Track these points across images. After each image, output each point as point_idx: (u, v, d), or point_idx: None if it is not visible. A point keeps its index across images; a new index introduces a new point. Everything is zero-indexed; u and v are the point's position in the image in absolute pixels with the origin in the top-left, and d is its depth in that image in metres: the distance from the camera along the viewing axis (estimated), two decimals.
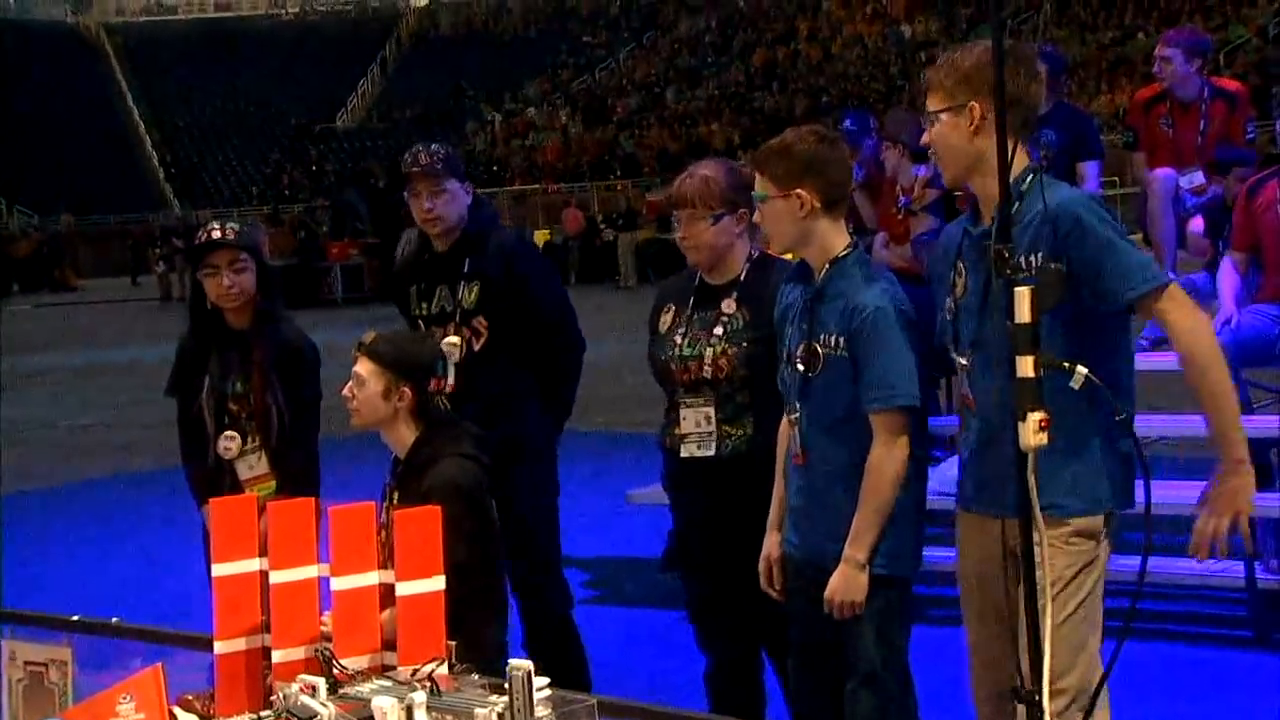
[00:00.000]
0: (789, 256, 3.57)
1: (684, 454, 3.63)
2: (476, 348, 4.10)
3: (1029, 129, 2.88)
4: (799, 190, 3.17)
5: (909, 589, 3.30)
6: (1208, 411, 2.83)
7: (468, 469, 3.22)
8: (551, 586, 4.25)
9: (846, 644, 3.22)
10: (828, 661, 3.32)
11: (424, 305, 4.21)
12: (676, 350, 3.64)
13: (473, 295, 4.13)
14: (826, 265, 3.20)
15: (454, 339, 4.12)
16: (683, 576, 3.92)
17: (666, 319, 3.72)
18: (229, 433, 3.90)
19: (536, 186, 38.27)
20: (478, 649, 2.22)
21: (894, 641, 3.22)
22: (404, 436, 3.29)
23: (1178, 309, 2.79)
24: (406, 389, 3.25)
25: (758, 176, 3.25)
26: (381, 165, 36.81)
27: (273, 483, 3.83)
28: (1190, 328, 2.80)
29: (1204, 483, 5.54)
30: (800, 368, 3.20)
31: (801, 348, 3.20)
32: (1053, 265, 2.55)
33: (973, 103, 2.82)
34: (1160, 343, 5.27)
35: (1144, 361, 6.50)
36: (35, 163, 44.22)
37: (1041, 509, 2.68)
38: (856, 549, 3.15)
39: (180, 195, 45.61)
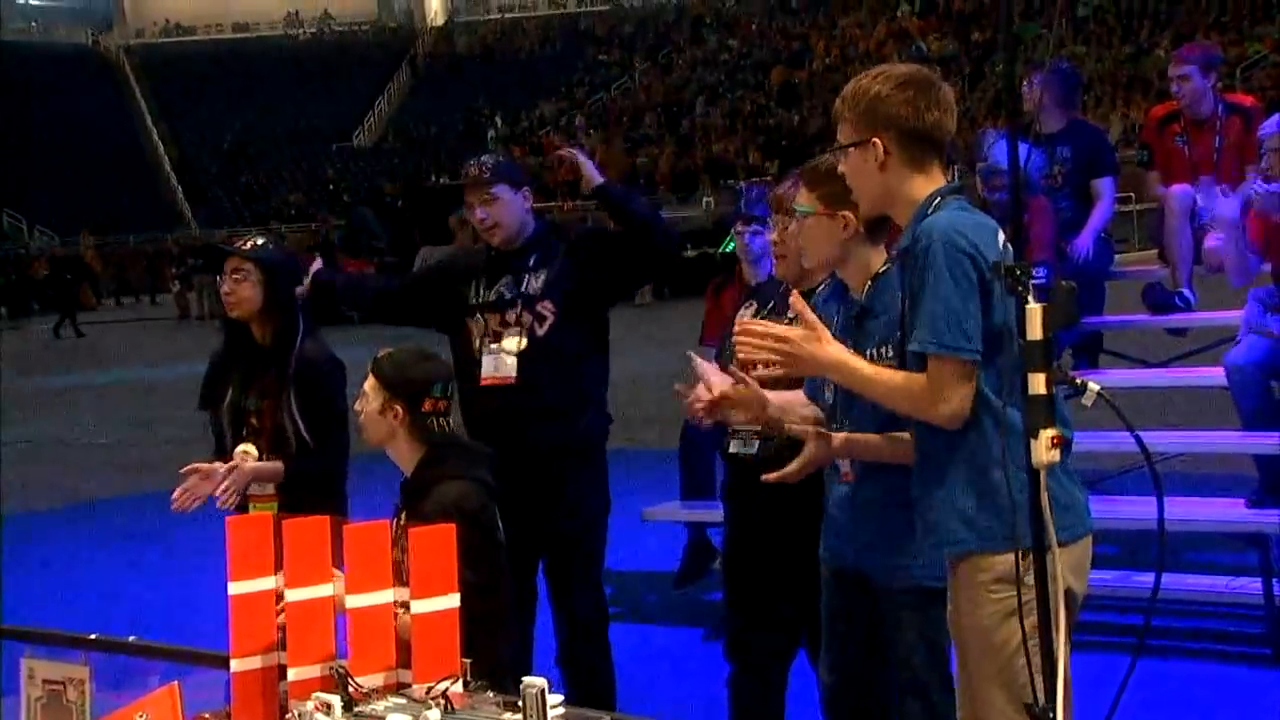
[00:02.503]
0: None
1: (730, 449, 3.67)
2: (540, 333, 4.09)
3: (941, 157, 2.78)
4: (846, 212, 3.17)
5: None
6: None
7: (470, 491, 3.21)
8: (588, 598, 4.23)
9: (895, 656, 3.22)
10: (865, 670, 3.33)
11: (483, 294, 4.19)
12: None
13: (540, 281, 4.13)
14: (869, 282, 3.20)
15: (515, 336, 4.10)
16: (724, 578, 3.94)
17: (746, 315, 3.74)
18: (245, 445, 3.93)
19: (552, 204, 38.36)
20: (486, 668, 2.22)
21: (942, 652, 3.22)
22: (406, 455, 3.30)
23: (938, 383, 2.63)
24: (399, 407, 3.27)
25: (804, 191, 3.24)
26: (397, 184, 36.96)
27: (275, 503, 3.85)
28: (930, 403, 2.64)
29: (1220, 499, 5.56)
30: None
31: None
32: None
33: (874, 138, 2.73)
34: None
35: (1158, 378, 6.55)
36: (55, 183, 44.49)
37: (946, 546, 2.71)
38: (860, 445, 3.11)
39: (198, 215, 45.83)
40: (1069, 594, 2.64)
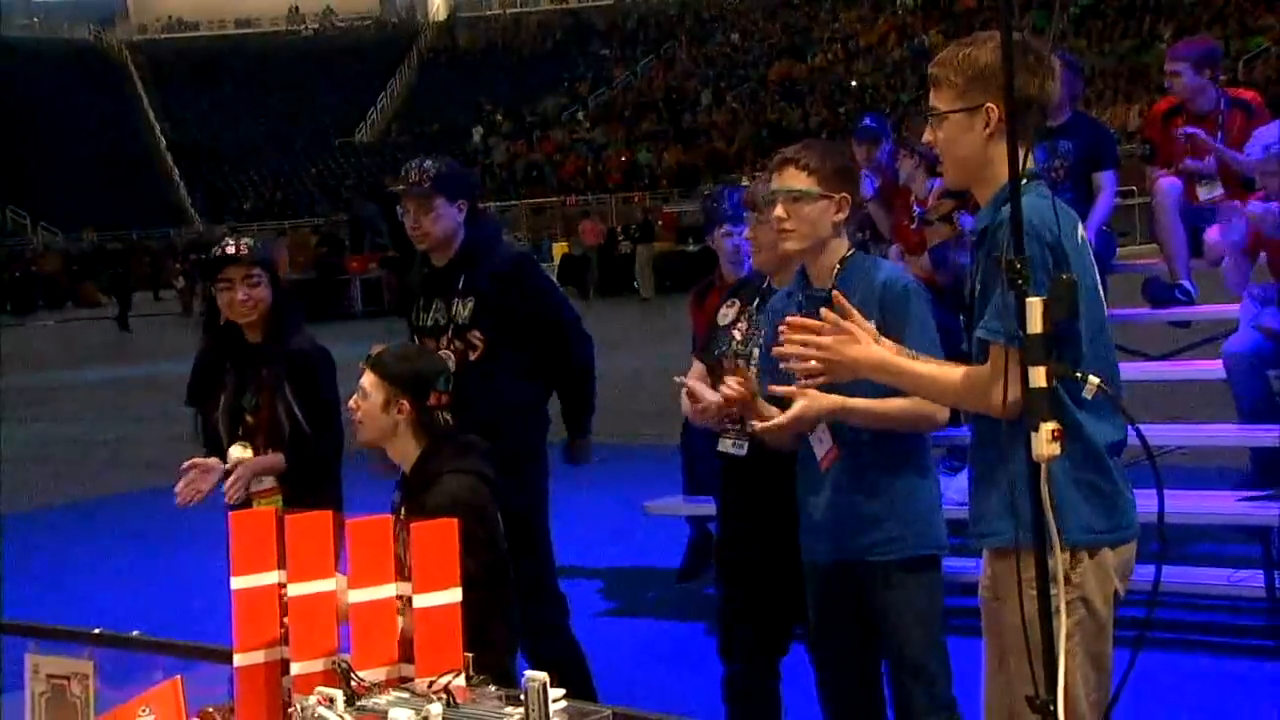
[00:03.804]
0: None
1: (719, 448, 3.68)
2: (472, 359, 4.13)
3: (1042, 131, 2.82)
4: (844, 194, 3.21)
5: (940, 569, 3.32)
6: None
7: (471, 484, 3.22)
8: (547, 598, 4.26)
9: (889, 635, 3.24)
10: (862, 664, 3.34)
11: (422, 317, 4.27)
12: (731, 345, 3.67)
13: (467, 310, 4.16)
14: (835, 267, 3.23)
15: (446, 353, 4.14)
16: (717, 578, 3.94)
17: (729, 314, 3.74)
18: (241, 442, 3.95)
19: (555, 199, 38.37)
20: (492, 656, 2.23)
21: (937, 627, 3.24)
22: (407, 451, 3.31)
23: (1000, 372, 2.54)
24: (405, 402, 3.27)
25: (797, 174, 3.23)
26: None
27: (279, 496, 3.87)
28: (987, 392, 2.59)
29: (1223, 492, 5.56)
30: None
31: None
32: (1064, 275, 2.51)
33: (989, 104, 2.66)
34: None
35: (1161, 371, 6.55)
36: (59, 180, 44.54)
37: (990, 537, 2.68)
38: (856, 410, 3.13)
39: (201, 211, 45.87)
40: (1114, 594, 2.69)
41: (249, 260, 3.97)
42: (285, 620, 2.22)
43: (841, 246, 3.26)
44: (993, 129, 2.67)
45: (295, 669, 2.19)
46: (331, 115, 49.84)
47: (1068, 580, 2.60)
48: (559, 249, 30.30)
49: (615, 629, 5.82)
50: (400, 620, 2.24)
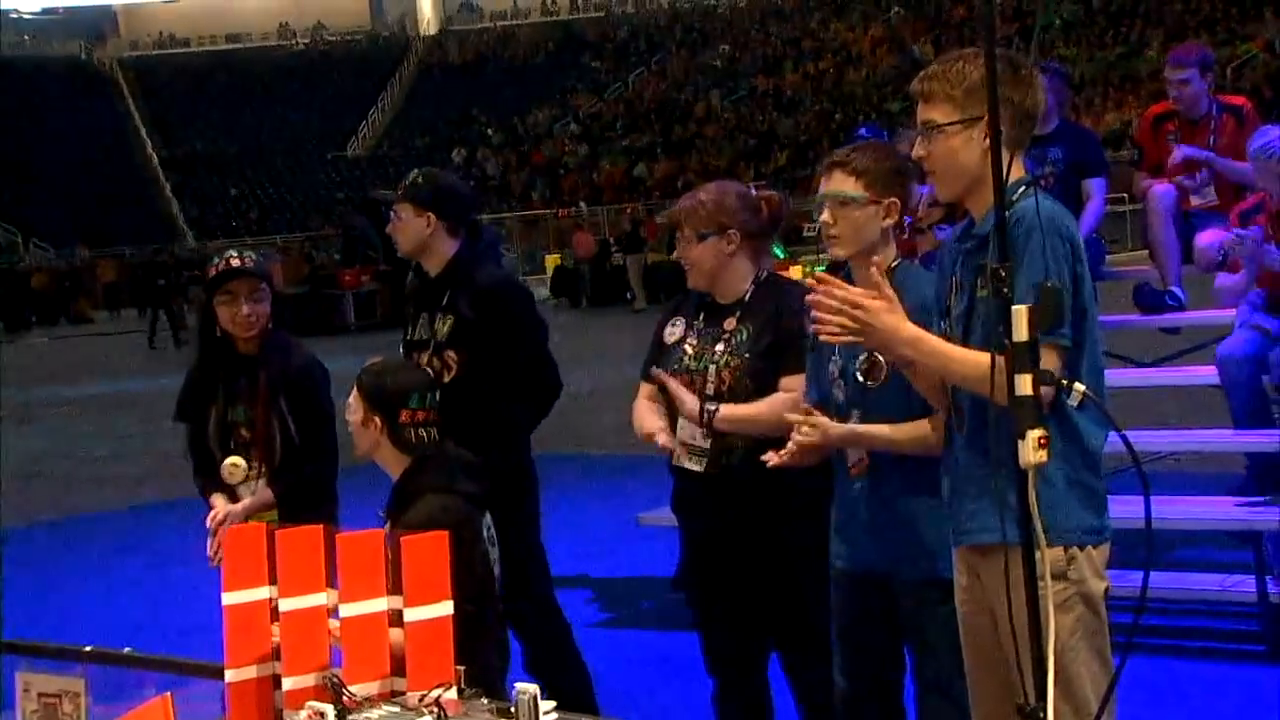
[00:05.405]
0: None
1: (675, 463, 3.67)
2: (446, 379, 4.07)
3: (1030, 140, 2.85)
4: (892, 199, 3.17)
5: None
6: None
7: (447, 504, 3.18)
8: (541, 614, 4.23)
9: (918, 653, 3.24)
10: (879, 675, 3.34)
11: (411, 330, 4.24)
12: (683, 363, 3.66)
13: (446, 328, 4.12)
14: (884, 276, 3.20)
15: (428, 370, 4.12)
16: (688, 596, 3.91)
17: (675, 331, 3.74)
18: (234, 458, 3.94)
19: (547, 211, 38.40)
20: (475, 677, 2.22)
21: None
22: (392, 465, 3.31)
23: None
24: (378, 419, 3.28)
25: (849, 179, 3.17)
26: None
27: (274, 512, 3.87)
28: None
29: (1213, 497, 5.56)
30: (861, 379, 3.17)
31: (862, 359, 3.17)
32: (1050, 283, 2.52)
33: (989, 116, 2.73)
34: None
35: (1151, 378, 6.57)
36: (51, 196, 44.48)
37: (984, 533, 2.69)
38: (877, 437, 3.13)
39: (194, 226, 45.83)
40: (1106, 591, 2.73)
41: (255, 274, 3.98)
42: (276, 635, 2.23)
43: (889, 254, 3.19)
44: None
45: (286, 684, 2.19)
46: (323, 129, 49.84)
47: (1066, 576, 2.65)
48: (551, 261, 30.34)
49: (609, 639, 5.83)
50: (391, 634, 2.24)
